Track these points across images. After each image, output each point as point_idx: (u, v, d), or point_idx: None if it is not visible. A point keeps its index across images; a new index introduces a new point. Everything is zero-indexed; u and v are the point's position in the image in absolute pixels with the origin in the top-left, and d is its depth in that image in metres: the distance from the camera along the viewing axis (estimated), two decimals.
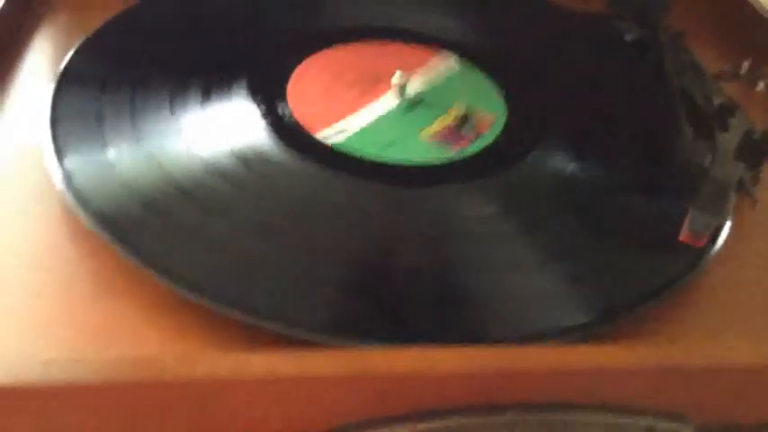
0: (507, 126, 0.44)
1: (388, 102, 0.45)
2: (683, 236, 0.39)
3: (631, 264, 0.38)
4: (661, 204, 0.41)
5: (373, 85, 0.46)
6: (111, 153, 0.39)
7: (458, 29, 0.52)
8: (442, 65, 0.48)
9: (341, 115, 0.43)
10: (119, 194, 0.38)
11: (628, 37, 0.54)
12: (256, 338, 0.33)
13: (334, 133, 0.42)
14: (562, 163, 0.43)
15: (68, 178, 0.38)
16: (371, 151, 0.41)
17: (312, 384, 0.29)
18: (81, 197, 0.37)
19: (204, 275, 0.34)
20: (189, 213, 0.37)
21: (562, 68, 0.50)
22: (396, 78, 0.45)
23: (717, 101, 0.48)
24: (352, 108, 0.44)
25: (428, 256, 0.37)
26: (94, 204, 0.37)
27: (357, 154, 0.41)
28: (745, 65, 0.56)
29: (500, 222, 0.39)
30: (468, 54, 0.49)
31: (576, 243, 0.39)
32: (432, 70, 0.48)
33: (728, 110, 0.48)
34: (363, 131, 0.43)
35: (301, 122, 0.42)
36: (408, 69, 0.46)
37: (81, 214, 0.37)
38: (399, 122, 0.44)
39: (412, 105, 0.45)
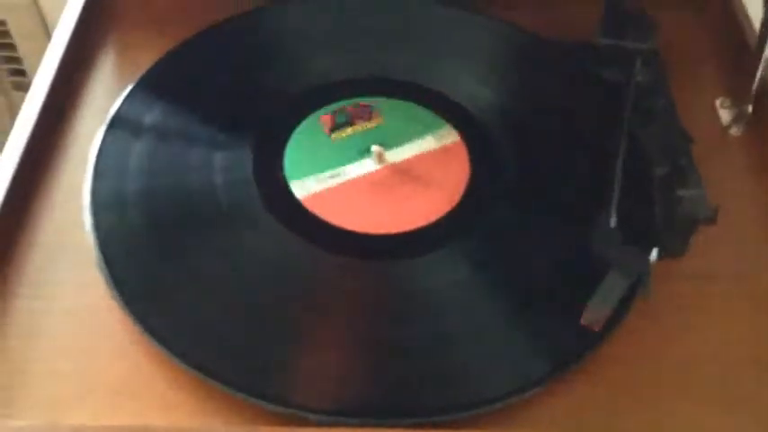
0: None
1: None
2: (583, 319, 0.46)
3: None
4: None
5: None
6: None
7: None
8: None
9: None
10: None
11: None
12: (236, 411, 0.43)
13: None
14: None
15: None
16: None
17: None
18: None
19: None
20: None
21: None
22: (375, 147, 0.54)
23: (670, 162, 0.52)
24: None
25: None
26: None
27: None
28: (726, 102, 0.60)
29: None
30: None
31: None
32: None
33: (682, 172, 0.52)
34: None
35: None
36: None
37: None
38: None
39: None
